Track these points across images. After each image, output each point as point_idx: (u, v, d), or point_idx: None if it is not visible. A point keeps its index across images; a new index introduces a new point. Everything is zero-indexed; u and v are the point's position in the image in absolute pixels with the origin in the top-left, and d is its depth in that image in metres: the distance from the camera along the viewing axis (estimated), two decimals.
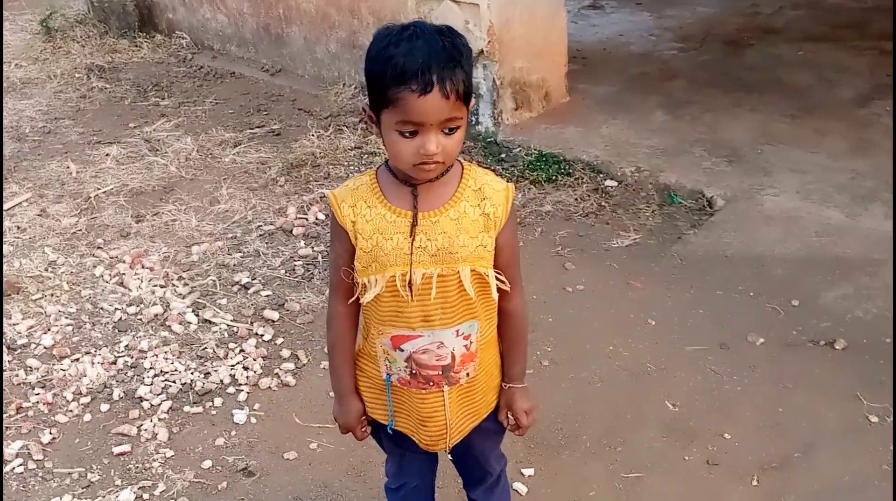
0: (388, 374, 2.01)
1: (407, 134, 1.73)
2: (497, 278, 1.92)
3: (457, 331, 1.93)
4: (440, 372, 1.97)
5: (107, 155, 5.03)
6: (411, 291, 1.87)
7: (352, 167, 4.77)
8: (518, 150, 4.78)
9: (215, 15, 6.45)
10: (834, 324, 3.41)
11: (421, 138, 1.73)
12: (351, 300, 1.97)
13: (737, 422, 3.01)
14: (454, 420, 2.04)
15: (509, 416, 2.13)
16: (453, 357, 1.96)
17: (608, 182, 4.49)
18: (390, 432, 2.08)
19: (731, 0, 7.07)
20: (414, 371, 1.97)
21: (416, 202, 1.85)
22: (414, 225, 1.84)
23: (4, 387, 3.33)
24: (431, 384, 1.98)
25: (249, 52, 6.33)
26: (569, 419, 3.06)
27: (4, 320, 3.66)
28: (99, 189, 4.67)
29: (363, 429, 2.13)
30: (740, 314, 3.52)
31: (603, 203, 4.33)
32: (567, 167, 4.59)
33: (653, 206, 4.28)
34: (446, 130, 1.74)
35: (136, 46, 6.68)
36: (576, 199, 4.36)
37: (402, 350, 1.95)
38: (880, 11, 6.52)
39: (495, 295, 1.93)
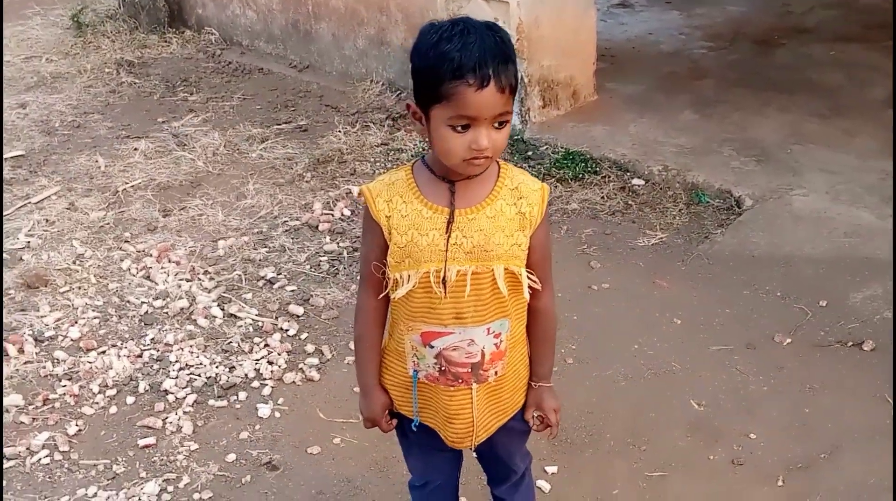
0: (415, 370, 2.01)
1: (459, 128, 1.74)
2: (528, 277, 1.93)
3: (488, 329, 1.93)
4: (469, 370, 1.97)
5: (135, 149, 5.06)
6: (445, 288, 1.87)
7: (378, 164, 4.78)
8: (545, 148, 4.76)
9: (244, 11, 6.48)
10: (862, 325, 3.37)
11: (473, 133, 1.74)
12: (381, 295, 1.97)
13: (762, 422, 2.99)
14: (481, 418, 2.04)
15: (535, 415, 2.13)
16: (483, 355, 1.96)
17: (635, 181, 4.46)
18: (414, 428, 2.08)
19: None
20: (443, 368, 1.97)
21: (453, 199, 1.85)
22: (451, 222, 1.85)
23: (32, 379, 3.36)
24: (460, 381, 1.98)
25: (278, 49, 6.35)
26: (593, 417, 3.05)
27: (32, 312, 3.70)
28: (127, 183, 4.71)
29: (388, 421, 2.12)
30: (767, 314, 3.49)
31: (630, 202, 4.31)
32: (594, 165, 4.57)
33: (680, 205, 4.26)
34: (496, 125, 1.76)
35: (166, 42, 6.71)
36: (602, 197, 4.35)
37: (431, 347, 1.95)
38: None
39: (527, 294, 1.94)
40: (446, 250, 1.86)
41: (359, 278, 2.04)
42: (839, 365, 3.21)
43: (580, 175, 4.50)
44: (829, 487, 2.73)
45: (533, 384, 2.10)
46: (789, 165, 4.48)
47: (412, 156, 4.81)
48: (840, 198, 4.17)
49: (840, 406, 3.03)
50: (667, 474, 2.82)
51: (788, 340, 3.34)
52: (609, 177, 4.49)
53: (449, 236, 1.85)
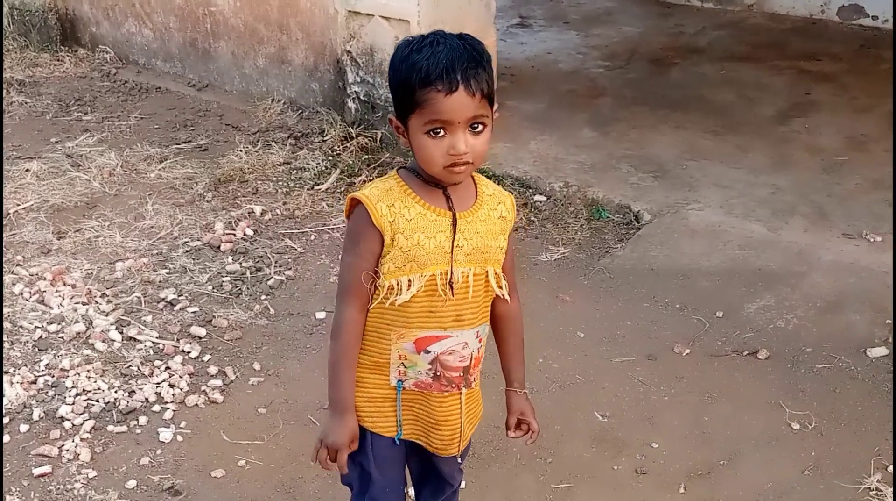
0: (399, 381, 1.99)
1: (434, 134, 1.79)
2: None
3: (477, 333, 1.99)
4: (461, 374, 2.00)
5: (27, 170, 4.89)
6: (452, 289, 1.90)
7: (280, 183, 4.73)
8: None
9: (140, 29, 6.35)
10: (757, 334, 3.48)
11: (450, 138, 1.80)
12: (366, 307, 1.94)
13: (664, 432, 3.05)
14: (465, 425, 2.07)
15: (517, 423, 2.18)
16: (472, 359, 2.01)
17: (537, 197, 4.53)
18: (397, 442, 2.05)
19: (656, 20, 7.22)
20: (438, 373, 1.98)
21: (451, 202, 1.90)
22: (454, 223, 1.89)
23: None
24: (453, 386, 2.01)
25: (176, 68, 6.25)
26: (500, 431, 3.01)
27: None
28: (18, 205, 4.55)
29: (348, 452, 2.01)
30: (667, 325, 3.57)
31: (532, 218, 4.37)
32: (496, 183, 4.59)
33: (581, 220, 4.33)
34: (473, 129, 1.81)
35: (58, 61, 6.53)
36: None
37: (427, 352, 1.95)
38: (798, 32, 6.72)
39: (507, 295, 2.01)
40: (452, 253, 1.89)
41: (338, 293, 1.97)
42: (736, 374, 3.30)
43: None
44: (729, 493, 2.80)
45: (517, 390, 2.15)
46: (685, 180, 4.60)
47: (315, 175, 4.78)
48: (733, 212, 4.30)
49: (737, 414, 3.12)
50: (572, 485, 2.85)
51: (687, 350, 3.43)
52: (511, 193, 4.52)
53: (454, 238, 1.89)
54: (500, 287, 1.99)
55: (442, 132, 1.79)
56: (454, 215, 1.89)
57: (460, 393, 2.02)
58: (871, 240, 3.99)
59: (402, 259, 1.87)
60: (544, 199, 4.51)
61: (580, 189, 4.53)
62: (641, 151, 4.92)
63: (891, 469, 2.85)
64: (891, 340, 3.40)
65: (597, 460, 2.95)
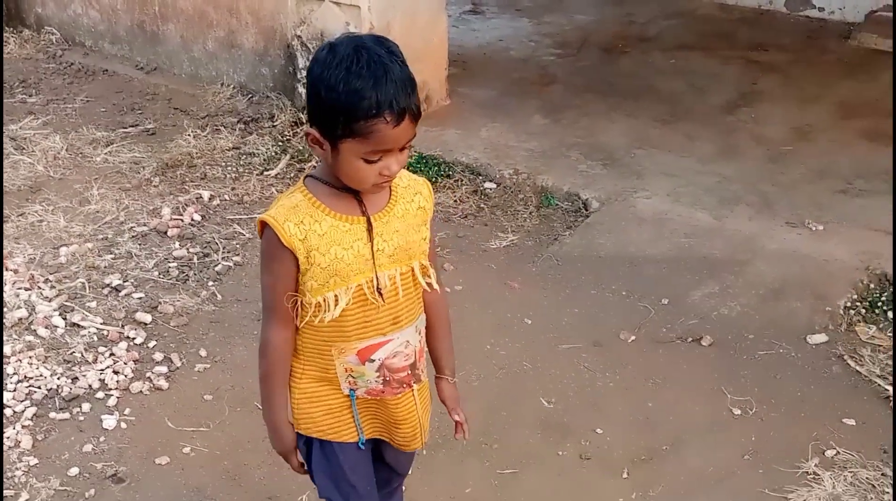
0: (351, 389, 1.98)
1: (372, 160, 1.75)
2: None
3: (416, 327, 1.98)
4: (409, 372, 1.99)
5: None
6: (381, 295, 1.88)
7: (230, 168, 4.69)
8: None
9: (87, 11, 6.24)
10: (701, 321, 3.53)
11: (384, 161, 1.76)
12: (294, 326, 1.92)
13: (609, 417, 3.09)
14: (423, 416, 2.08)
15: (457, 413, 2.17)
16: (416, 354, 1.99)
17: (487, 184, 4.54)
18: (362, 447, 2.05)
19: (608, 8, 7.24)
20: (387, 378, 1.96)
21: (363, 207, 1.85)
22: (370, 229, 1.85)
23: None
24: (404, 386, 1.99)
25: (123, 50, 6.15)
26: (445, 418, 3.03)
27: None
28: None
29: (299, 459, 2.09)
30: (613, 312, 3.61)
31: (482, 205, 4.38)
32: (447, 169, 4.62)
33: (530, 208, 4.35)
34: (401, 149, 1.78)
35: (2, 42, 6.40)
36: (455, 201, 4.40)
37: (372, 361, 1.93)
38: (747, 23, 6.79)
39: (437, 285, 2.00)
40: (373, 258, 1.86)
41: (263, 312, 1.95)
42: (680, 360, 3.35)
43: (433, 179, 4.54)
44: (672, 477, 2.84)
45: (449, 379, 2.14)
46: (633, 168, 4.64)
47: (265, 160, 4.74)
48: (680, 200, 4.34)
49: (681, 400, 3.16)
50: (517, 471, 2.88)
51: (633, 337, 3.47)
52: (461, 181, 4.54)
53: (373, 244, 1.85)
54: (428, 278, 1.97)
55: (380, 158, 1.76)
56: (368, 219, 1.85)
57: (412, 390, 2.02)
58: (814, 229, 4.06)
59: (323, 276, 1.84)
60: (494, 186, 4.52)
61: (530, 177, 4.55)
62: (591, 139, 4.95)
63: (828, 453, 2.91)
64: (830, 327, 3.47)
65: (542, 446, 2.98)
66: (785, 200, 4.33)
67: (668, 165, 4.67)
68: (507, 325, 3.56)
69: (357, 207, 1.85)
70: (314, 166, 1.99)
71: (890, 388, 3.15)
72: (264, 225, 1.85)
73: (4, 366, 3.27)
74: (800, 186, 4.46)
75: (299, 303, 1.89)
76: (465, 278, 3.83)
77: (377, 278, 1.87)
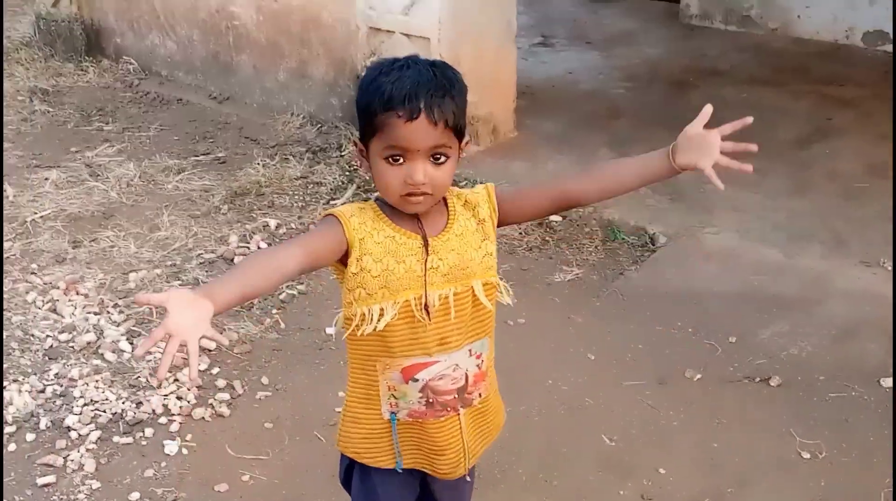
0: (392, 413, 1.94)
1: (393, 160, 1.75)
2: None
3: (469, 350, 1.92)
4: (455, 396, 1.93)
5: (46, 179, 4.93)
6: (428, 314, 1.84)
7: (297, 197, 4.74)
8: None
9: (164, 41, 6.40)
10: (769, 361, 3.44)
11: (408, 166, 1.75)
12: (305, 254, 1.78)
13: (672, 457, 3.02)
14: (470, 443, 2.00)
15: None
16: (467, 378, 1.93)
17: (553, 217, 4.50)
18: (400, 471, 2.00)
19: (678, 42, 7.20)
20: (430, 400, 1.92)
21: (422, 224, 1.85)
22: (426, 245, 1.83)
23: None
24: (448, 409, 1.94)
25: (198, 80, 6.29)
26: (506, 452, 3.04)
27: None
28: (36, 213, 4.58)
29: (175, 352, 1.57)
30: (678, 349, 3.54)
31: (547, 238, 4.35)
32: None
33: (596, 241, 4.31)
34: (434, 160, 1.76)
35: (82, 71, 6.59)
36: (520, 233, 4.38)
37: (416, 380, 1.89)
38: (822, 57, 6.68)
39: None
40: (424, 276, 1.83)
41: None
42: (747, 400, 3.26)
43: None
44: None
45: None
46: (702, 203, 4.57)
47: (332, 190, 4.78)
48: (749, 237, 4.26)
49: (747, 441, 3.08)
50: None
51: (699, 375, 3.39)
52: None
53: (427, 261, 1.83)
54: (493, 297, 1.92)
55: (401, 160, 1.75)
56: (425, 236, 1.84)
57: (458, 415, 1.96)
58: (889, 268, 3.94)
59: (373, 285, 1.81)
60: (560, 219, 4.48)
61: (596, 210, 4.51)
62: None
63: None
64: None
65: (603, 484, 2.92)
66: (859, 238, 4.22)
67: (738, 201, 4.59)
68: (569, 359, 3.52)
69: (415, 225, 1.84)
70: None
71: None
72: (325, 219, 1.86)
73: (72, 389, 3.33)
74: (874, 224, 4.34)
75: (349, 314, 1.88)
76: (529, 312, 3.80)
77: (426, 296, 1.84)
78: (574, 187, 2.01)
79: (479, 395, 1.99)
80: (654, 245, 4.28)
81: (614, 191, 2.04)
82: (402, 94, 1.71)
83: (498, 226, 1.96)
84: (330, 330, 3.68)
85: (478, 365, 1.95)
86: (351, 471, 2.07)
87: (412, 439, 1.98)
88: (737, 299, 3.82)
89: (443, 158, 1.77)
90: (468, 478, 2.10)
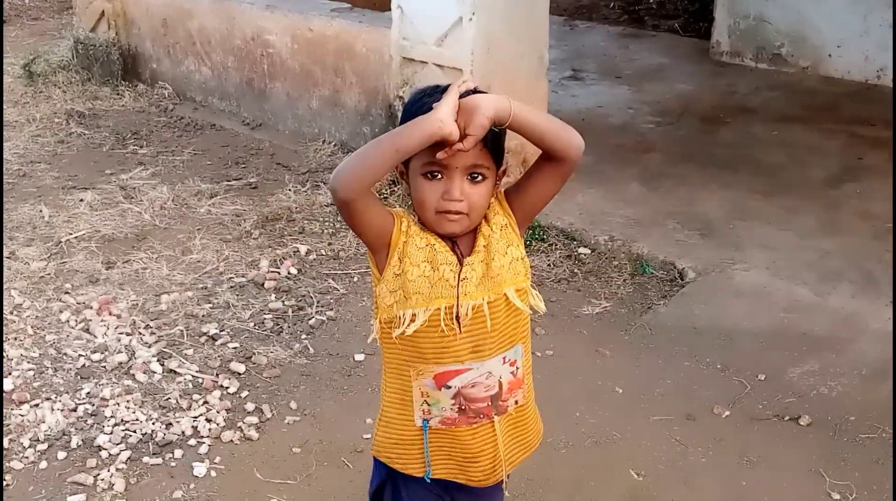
0: (425, 420, 1.96)
1: (431, 176, 1.81)
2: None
3: (504, 358, 1.94)
4: (489, 403, 1.95)
5: (81, 200, 5.00)
6: (458, 324, 1.87)
7: (327, 223, 4.78)
8: None
9: (199, 67, 6.49)
10: (799, 400, 3.42)
11: (445, 182, 1.81)
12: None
13: (700, 494, 3.00)
14: (506, 451, 2.01)
15: None
16: (500, 385, 1.95)
17: (581, 250, 4.52)
18: (428, 480, 2.00)
19: (709, 79, 7.21)
20: (463, 407, 1.94)
21: (457, 246, 1.90)
22: (461, 256, 1.88)
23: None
24: (482, 416, 1.96)
25: (231, 106, 6.37)
26: (533, 484, 3.03)
27: None
28: (71, 234, 4.64)
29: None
30: (707, 385, 3.53)
31: (575, 270, 4.36)
32: (541, 233, 4.62)
33: (624, 275, 4.31)
34: (472, 178, 1.81)
35: (118, 94, 6.69)
36: (549, 264, 4.39)
37: (448, 387, 1.91)
38: (853, 96, 6.67)
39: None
40: (458, 287, 1.87)
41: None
42: (776, 439, 3.24)
43: (527, 242, 4.54)
44: None
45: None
46: (732, 240, 4.57)
47: None
48: (780, 274, 4.25)
49: (776, 480, 3.06)
50: None
51: (727, 412, 3.38)
52: (556, 245, 4.54)
53: (461, 271, 1.87)
54: (528, 301, 1.95)
55: (439, 176, 1.81)
56: (459, 248, 1.89)
57: (493, 422, 1.97)
58: None
59: (409, 289, 1.86)
60: (588, 252, 4.50)
61: (625, 243, 4.52)
62: (689, 209, 4.90)
63: None
64: None
65: None
66: (889, 278, 4.19)
67: (768, 238, 4.59)
68: (597, 393, 3.51)
69: (449, 243, 1.90)
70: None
71: None
72: None
73: (103, 409, 3.36)
74: None
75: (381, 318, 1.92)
76: (556, 344, 3.80)
77: (458, 306, 1.87)
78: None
79: (515, 402, 2.00)
80: (682, 280, 4.27)
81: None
82: None
83: (524, 221, 1.99)
84: (359, 357, 3.69)
85: (512, 373, 1.96)
86: (381, 493, 2.08)
87: (444, 448, 1.99)
88: (767, 337, 3.80)
89: (480, 177, 1.82)
90: (504, 488, 2.10)
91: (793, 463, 3.13)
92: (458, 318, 1.87)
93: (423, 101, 1.83)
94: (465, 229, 1.88)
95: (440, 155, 1.77)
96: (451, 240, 1.90)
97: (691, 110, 6.48)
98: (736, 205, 4.95)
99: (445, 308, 1.87)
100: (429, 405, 1.95)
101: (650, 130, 6.12)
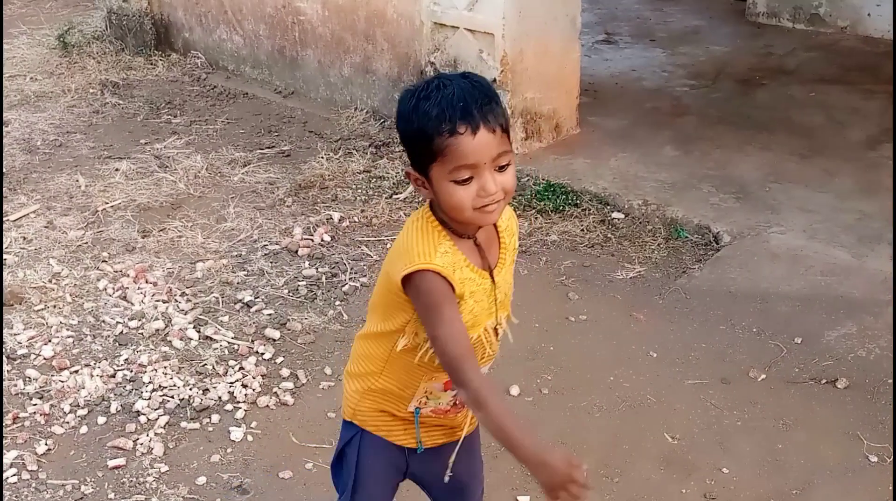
0: (417, 408, 2.03)
1: (462, 181, 1.74)
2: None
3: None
4: None
5: (116, 170, 5.04)
6: (496, 336, 1.97)
7: (360, 190, 4.78)
8: (526, 179, 4.78)
9: (231, 36, 6.49)
10: (836, 363, 3.39)
11: (478, 182, 1.75)
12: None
13: (735, 457, 2.99)
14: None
15: None
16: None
17: (615, 214, 4.49)
18: (418, 453, 2.10)
19: (745, 40, 7.10)
20: (457, 402, 2.03)
21: (486, 261, 1.90)
22: (493, 279, 1.91)
23: (3, 397, 3.33)
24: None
25: (263, 74, 6.37)
26: (567, 447, 3.02)
27: (5, 329, 3.66)
28: (107, 203, 4.69)
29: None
30: (742, 349, 3.51)
31: (609, 235, 4.33)
32: (574, 198, 4.59)
33: (659, 239, 4.28)
34: (499, 168, 1.77)
35: (152, 64, 6.71)
36: (582, 230, 4.36)
37: (454, 389, 1.97)
38: (891, 56, 6.53)
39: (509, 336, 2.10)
40: (496, 308, 1.92)
41: (450, 366, 1.82)
42: (812, 402, 3.22)
43: (560, 207, 4.52)
44: None
45: None
46: (768, 203, 4.52)
47: (394, 184, 4.81)
48: (817, 237, 4.20)
49: (813, 443, 3.04)
50: None
51: (763, 375, 3.36)
52: (589, 210, 4.51)
53: (495, 292, 1.92)
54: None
55: (470, 177, 1.74)
56: (492, 274, 1.90)
57: None
58: None
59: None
60: (622, 216, 4.47)
61: (659, 208, 4.48)
62: (724, 172, 4.84)
63: None
64: None
65: (665, 482, 2.91)
66: None
67: (805, 201, 4.53)
68: (631, 357, 3.50)
69: (478, 258, 1.88)
70: None
71: None
72: (415, 275, 1.80)
73: (141, 375, 3.41)
74: None
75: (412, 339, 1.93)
76: (590, 309, 3.79)
77: (498, 324, 1.95)
78: None
79: None
80: (717, 244, 4.24)
81: None
82: (457, 112, 1.71)
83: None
84: None
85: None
86: (344, 451, 2.15)
87: (432, 424, 2.08)
88: (803, 300, 3.77)
89: (506, 163, 1.78)
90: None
91: (830, 426, 3.11)
92: (496, 331, 1.96)
93: (424, 106, 1.74)
94: (502, 211, 1.85)
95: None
96: (474, 243, 1.87)
97: (727, 72, 6.39)
98: (772, 167, 4.88)
99: (484, 330, 1.93)
100: (427, 399, 2.01)
101: (685, 94, 6.04)
